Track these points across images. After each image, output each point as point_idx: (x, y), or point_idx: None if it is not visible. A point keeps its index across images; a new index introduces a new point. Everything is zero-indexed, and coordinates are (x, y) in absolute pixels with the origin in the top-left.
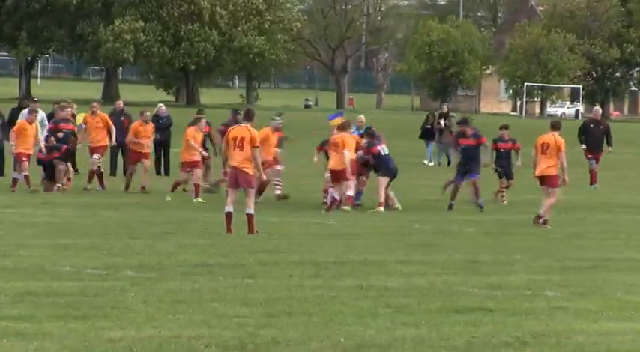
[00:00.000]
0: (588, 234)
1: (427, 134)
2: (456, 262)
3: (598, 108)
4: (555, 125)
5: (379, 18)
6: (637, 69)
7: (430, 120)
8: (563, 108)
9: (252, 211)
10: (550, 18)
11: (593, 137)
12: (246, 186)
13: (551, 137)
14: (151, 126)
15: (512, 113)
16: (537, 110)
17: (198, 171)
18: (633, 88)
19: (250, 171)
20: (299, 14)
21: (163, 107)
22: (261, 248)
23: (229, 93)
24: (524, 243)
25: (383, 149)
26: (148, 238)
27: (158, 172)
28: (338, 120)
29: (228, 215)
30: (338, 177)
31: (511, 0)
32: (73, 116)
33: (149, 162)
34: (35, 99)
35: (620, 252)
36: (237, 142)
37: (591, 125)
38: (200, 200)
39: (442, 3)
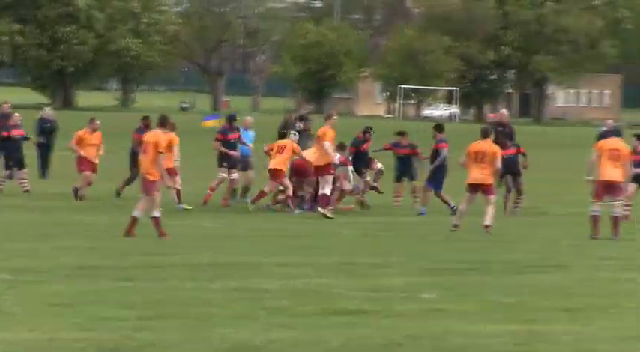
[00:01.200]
0: (465, 236)
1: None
2: (332, 264)
3: (504, 111)
4: (485, 132)
5: (255, 20)
6: (513, 71)
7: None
8: (439, 111)
9: (158, 214)
10: (426, 20)
11: (497, 140)
12: (144, 193)
13: (487, 145)
14: (97, 135)
15: (388, 115)
16: (413, 112)
17: (177, 177)
18: (509, 90)
19: (152, 178)
20: (174, 17)
21: (50, 111)
22: (140, 250)
23: (106, 96)
24: (402, 245)
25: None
26: (26, 240)
27: (44, 175)
28: (211, 122)
29: (133, 219)
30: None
31: (387, 2)
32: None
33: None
34: None
35: (496, 254)
36: (145, 147)
37: (499, 128)
38: (186, 206)
39: (318, 5)
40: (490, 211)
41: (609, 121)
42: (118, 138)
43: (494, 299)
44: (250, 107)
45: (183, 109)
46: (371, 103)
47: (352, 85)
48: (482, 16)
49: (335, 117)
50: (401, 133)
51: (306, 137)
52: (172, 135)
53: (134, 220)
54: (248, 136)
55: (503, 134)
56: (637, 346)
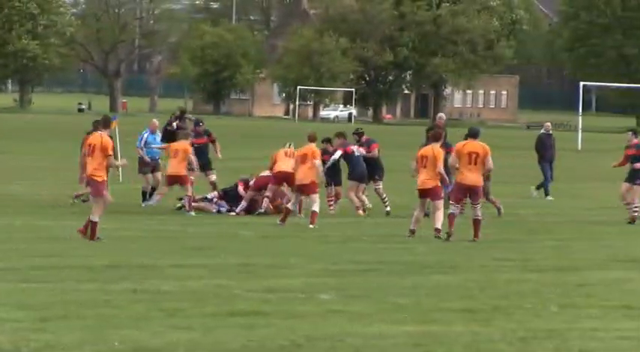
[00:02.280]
0: (363, 237)
1: (166, 134)
2: (230, 265)
3: (442, 115)
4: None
5: (152, 21)
6: (409, 72)
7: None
8: (337, 112)
9: (96, 218)
10: (323, 21)
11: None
12: (94, 195)
13: (430, 149)
14: None
15: (286, 117)
16: (311, 113)
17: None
18: (406, 92)
19: (100, 179)
20: (72, 18)
21: None
22: (35, 252)
23: (3, 97)
24: (301, 246)
25: (357, 150)
26: None
27: None
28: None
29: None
30: (304, 190)
31: (284, 3)
32: None
33: None
34: None
35: (394, 255)
36: (90, 149)
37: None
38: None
39: (215, 6)
40: (437, 216)
41: (547, 124)
42: (16, 140)
43: (392, 300)
44: (148, 108)
45: (80, 110)
46: (268, 104)
47: (249, 86)
48: (379, 17)
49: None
50: (327, 140)
51: (182, 136)
52: (186, 143)
53: (94, 224)
54: (156, 139)
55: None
56: (535, 346)
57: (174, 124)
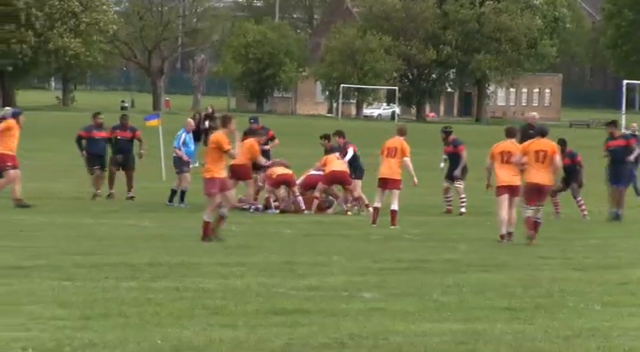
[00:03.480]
0: (405, 235)
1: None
2: (273, 264)
3: (534, 113)
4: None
5: (195, 19)
6: (453, 70)
7: (197, 121)
8: (380, 110)
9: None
10: (366, 19)
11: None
12: (207, 195)
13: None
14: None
15: (329, 115)
16: (354, 111)
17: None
18: (449, 90)
19: (208, 176)
20: (115, 16)
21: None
22: (77, 250)
23: (46, 95)
24: (342, 244)
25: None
26: None
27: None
28: (154, 122)
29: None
30: (388, 185)
31: (327, 1)
32: None
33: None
34: None
35: (436, 253)
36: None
37: (529, 131)
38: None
39: (258, 4)
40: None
41: (634, 125)
42: (60, 137)
43: (434, 298)
44: (191, 106)
45: (123, 108)
46: (311, 103)
47: (292, 85)
48: (422, 15)
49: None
50: (325, 137)
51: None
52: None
53: (207, 224)
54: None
55: (532, 137)
56: (578, 345)
57: (207, 123)
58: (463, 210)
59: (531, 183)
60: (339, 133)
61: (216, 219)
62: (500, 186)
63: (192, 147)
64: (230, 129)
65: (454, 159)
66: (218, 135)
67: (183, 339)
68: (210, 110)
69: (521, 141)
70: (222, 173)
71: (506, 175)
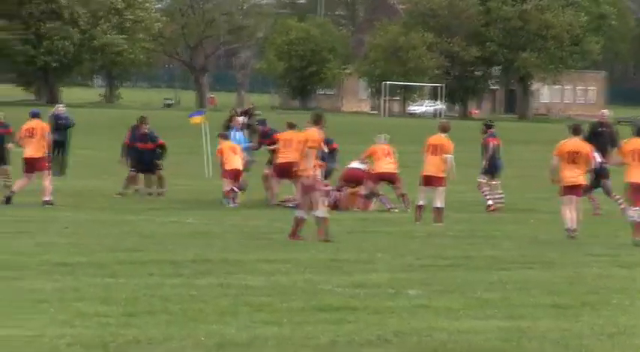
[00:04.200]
0: (448, 232)
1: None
2: (318, 261)
3: (605, 111)
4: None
5: (239, 16)
6: (497, 67)
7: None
8: (424, 107)
9: (322, 214)
10: (410, 16)
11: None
12: (307, 192)
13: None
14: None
15: (373, 112)
16: (398, 109)
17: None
18: (493, 87)
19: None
20: (158, 14)
21: (62, 107)
22: (120, 247)
23: (90, 92)
24: (386, 241)
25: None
26: (8, 237)
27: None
28: (198, 119)
29: (298, 220)
30: (432, 182)
31: None
32: None
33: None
34: None
35: (479, 250)
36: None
37: (599, 129)
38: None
39: (301, 2)
40: (579, 215)
41: None
42: (103, 135)
43: (478, 295)
44: (235, 103)
45: (167, 106)
46: (355, 100)
47: (336, 82)
48: (465, 12)
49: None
50: None
51: (251, 132)
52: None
53: (300, 221)
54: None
55: (603, 135)
56: (624, 342)
57: (244, 120)
58: (491, 202)
59: (636, 183)
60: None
61: (299, 220)
62: (565, 186)
63: (242, 144)
64: (321, 127)
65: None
66: (316, 133)
67: (226, 336)
68: (247, 107)
69: (590, 138)
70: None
71: (571, 175)
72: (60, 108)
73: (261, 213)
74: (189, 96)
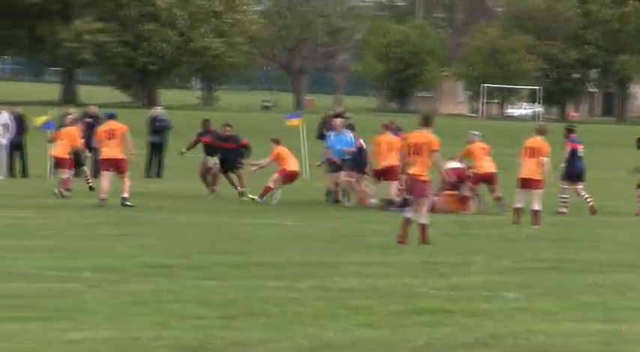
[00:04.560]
0: (546, 235)
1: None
2: (415, 263)
3: None
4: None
5: (338, 18)
6: (595, 70)
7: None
8: (522, 109)
9: (423, 220)
10: (508, 19)
11: None
12: (418, 196)
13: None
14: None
15: (471, 114)
16: (496, 111)
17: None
18: (591, 90)
19: (423, 179)
20: (255, 16)
21: (160, 110)
22: (220, 249)
23: (188, 95)
24: (483, 244)
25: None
26: (107, 239)
27: (148, 175)
28: (295, 121)
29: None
30: (531, 185)
31: (468, 1)
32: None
33: None
34: None
35: (577, 253)
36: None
37: None
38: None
39: (400, 4)
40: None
41: None
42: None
43: (576, 298)
44: (333, 106)
45: (265, 108)
46: (453, 102)
47: (434, 84)
48: (564, 14)
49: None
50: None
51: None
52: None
53: (408, 222)
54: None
55: None
56: None
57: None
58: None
59: None
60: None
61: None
62: None
63: (338, 147)
64: (432, 128)
65: (570, 157)
66: (432, 136)
67: (325, 339)
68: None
69: None
70: None
71: None
72: (158, 111)
73: (358, 215)
74: (286, 99)
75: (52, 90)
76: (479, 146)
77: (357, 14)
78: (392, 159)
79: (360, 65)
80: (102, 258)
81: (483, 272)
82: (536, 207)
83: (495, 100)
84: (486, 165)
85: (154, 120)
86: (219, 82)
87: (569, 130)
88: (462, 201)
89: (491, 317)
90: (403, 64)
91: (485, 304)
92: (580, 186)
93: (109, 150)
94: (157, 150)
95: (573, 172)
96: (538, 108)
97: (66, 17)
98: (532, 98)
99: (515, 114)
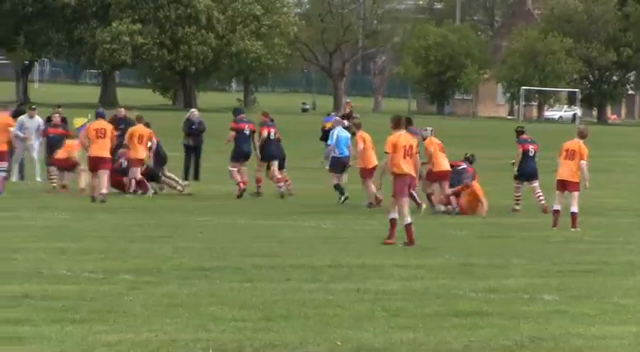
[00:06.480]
0: (584, 237)
1: (323, 135)
2: (452, 266)
3: None
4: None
5: (375, 21)
6: (634, 72)
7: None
8: (561, 112)
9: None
10: (547, 21)
11: None
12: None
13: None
14: None
15: (510, 117)
16: (535, 114)
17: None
18: (630, 92)
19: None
20: (296, 18)
21: (196, 112)
22: (257, 252)
23: (227, 97)
24: (521, 246)
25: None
26: (145, 242)
27: (186, 177)
28: (330, 124)
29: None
30: (567, 187)
31: (508, 3)
32: (64, 120)
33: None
34: (33, 106)
35: (616, 255)
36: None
37: None
38: None
39: (439, 7)
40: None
41: None
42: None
43: (614, 300)
44: (372, 108)
45: (304, 110)
46: (492, 105)
47: (473, 87)
48: (603, 17)
49: None
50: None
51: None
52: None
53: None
54: None
55: None
56: None
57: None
58: None
59: None
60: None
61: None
62: None
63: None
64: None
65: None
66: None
67: (363, 341)
68: (347, 110)
69: None
70: None
71: None
72: (194, 113)
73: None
74: (325, 101)
75: (90, 92)
76: (434, 142)
77: (396, 17)
78: (446, 162)
79: (399, 68)
80: (140, 260)
81: (522, 274)
82: (575, 209)
83: (534, 103)
84: (443, 162)
85: (188, 122)
86: (257, 84)
87: (520, 132)
88: (478, 202)
89: (530, 319)
90: (442, 67)
91: (523, 307)
92: (535, 185)
93: (98, 149)
94: (193, 152)
95: (525, 172)
96: (577, 111)
97: (104, 19)
98: (571, 101)
99: (555, 117)
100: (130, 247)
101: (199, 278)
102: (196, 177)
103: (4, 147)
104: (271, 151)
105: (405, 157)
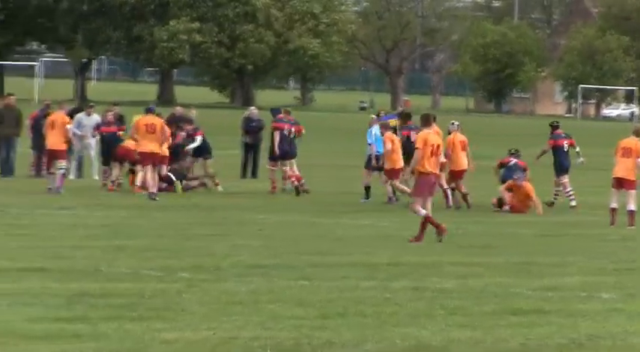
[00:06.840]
0: None
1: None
2: (510, 264)
3: None
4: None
5: (434, 19)
6: None
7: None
8: (619, 110)
9: None
10: (605, 19)
11: None
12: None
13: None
14: None
15: (567, 115)
16: (593, 112)
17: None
18: None
19: None
20: (354, 16)
21: (255, 110)
22: (314, 250)
23: (284, 95)
24: (578, 244)
25: None
26: (202, 239)
27: (244, 175)
28: (392, 122)
29: None
30: (623, 185)
31: (566, 2)
32: (121, 118)
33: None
34: (91, 104)
35: None
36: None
37: None
38: None
39: (497, 4)
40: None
41: None
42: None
43: None
44: (430, 106)
45: (362, 109)
46: (550, 103)
47: (531, 85)
48: None
49: None
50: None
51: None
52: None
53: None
54: None
55: None
56: None
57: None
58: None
59: None
60: None
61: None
62: None
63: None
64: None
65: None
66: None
67: (421, 339)
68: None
69: None
70: None
71: None
72: (254, 111)
73: (450, 215)
74: (383, 99)
75: (148, 90)
76: (458, 138)
77: (455, 15)
78: (464, 161)
79: (457, 66)
80: (198, 258)
81: (579, 272)
82: (631, 207)
83: (592, 101)
84: (461, 161)
85: (247, 120)
86: (315, 82)
87: (554, 127)
88: (530, 202)
89: (587, 318)
90: (500, 65)
91: (580, 305)
92: (565, 181)
93: (150, 144)
94: (251, 150)
95: (564, 166)
96: (634, 109)
97: (162, 17)
98: (628, 99)
99: (613, 115)
100: (186, 245)
101: (257, 276)
102: (254, 174)
103: (63, 146)
104: (285, 149)
105: (431, 156)
